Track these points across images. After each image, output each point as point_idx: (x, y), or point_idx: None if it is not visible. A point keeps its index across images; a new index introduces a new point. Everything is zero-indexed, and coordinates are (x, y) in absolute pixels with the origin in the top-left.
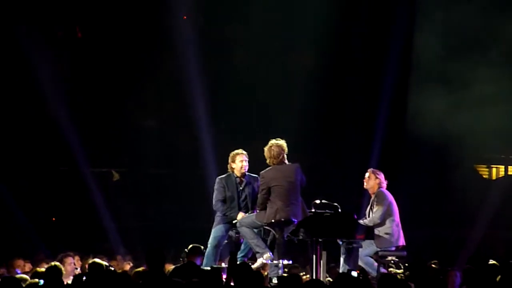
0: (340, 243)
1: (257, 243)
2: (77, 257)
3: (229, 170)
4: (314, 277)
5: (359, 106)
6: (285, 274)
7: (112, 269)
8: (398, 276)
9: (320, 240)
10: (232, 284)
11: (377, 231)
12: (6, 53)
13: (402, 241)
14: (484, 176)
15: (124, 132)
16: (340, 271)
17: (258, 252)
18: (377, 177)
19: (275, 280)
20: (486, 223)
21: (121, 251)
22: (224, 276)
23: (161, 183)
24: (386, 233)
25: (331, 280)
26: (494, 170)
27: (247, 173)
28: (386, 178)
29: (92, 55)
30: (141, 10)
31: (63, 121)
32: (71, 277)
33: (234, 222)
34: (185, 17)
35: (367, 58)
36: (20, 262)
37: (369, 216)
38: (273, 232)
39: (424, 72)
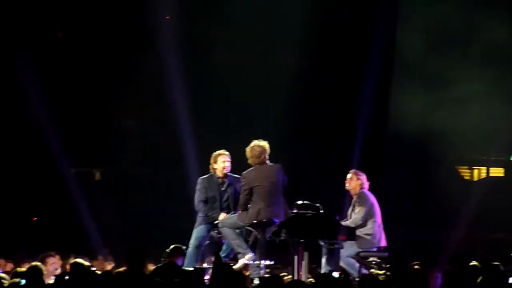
0: (322, 244)
1: (239, 243)
2: (57, 257)
3: (211, 170)
4: (295, 278)
5: (340, 106)
6: (267, 275)
7: (94, 269)
8: (380, 277)
9: (301, 241)
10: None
11: (358, 232)
12: None
13: (383, 242)
14: (465, 178)
15: (105, 132)
16: (322, 272)
17: (239, 253)
18: (359, 178)
19: (256, 281)
20: (468, 224)
21: (102, 251)
22: (207, 277)
23: (142, 183)
24: (368, 234)
25: (312, 280)
26: (475, 171)
27: (229, 173)
28: (368, 179)
29: (73, 55)
30: (122, 10)
31: (43, 121)
32: (53, 277)
33: (216, 222)
34: (167, 17)
35: (349, 58)
36: (1, 261)
37: (350, 217)
38: (255, 232)
39: (406, 71)
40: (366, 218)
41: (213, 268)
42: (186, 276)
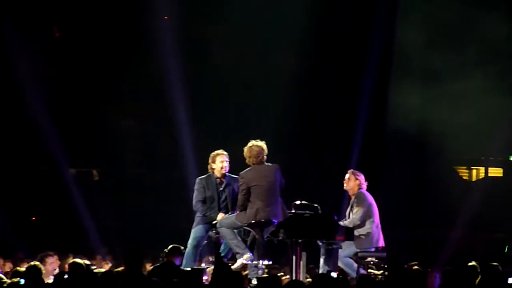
0: (320, 244)
1: (237, 243)
2: (56, 257)
3: (209, 170)
4: (293, 278)
5: (339, 106)
6: (265, 275)
7: (94, 267)
8: (378, 278)
9: (299, 241)
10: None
11: (356, 232)
12: None
13: (381, 242)
14: (464, 178)
15: (103, 132)
16: (320, 272)
17: (238, 253)
18: (357, 178)
19: (254, 281)
20: (466, 225)
21: (101, 251)
22: (205, 278)
23: (140, 183)
24: (366, 234)
25: (310, 281)
26: (474, 171)
27: (227, 173)
28: (366, 179)
29: (71, 55)
30: (120, 10)
31: (42, 121)
32: (52, 277)
33: (214, 222)
34: (166, 17)
35: (348, 57)
36: (0, 261)
37: (349, 217)
38: (253, 232)
39: (405, 69)
40: (364, 218)
41: (214, 268)
42: (184, 276)
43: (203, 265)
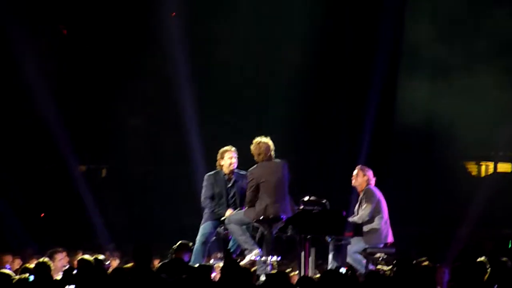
0: (329, 240)
1: (245, 240)
2: (64, 253)
3: (217, 167)
4: (302, 274)
5: (347, 101)
6: (274, 271)
7: (108, 262)
8: (386, 273)
9: (308, 237)
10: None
11: (365, 228)
12: None
13: (390, 238)
14: (473, 173)
15: (111, 129)
16: (328, 268)
17: (246, 249)
18: (365, 174)
19: (263, 277)
20: (475, 220)
21: (109, 247)
22: (213, 274)
23: (148, 180)
24: (375, 230)
25: (319, 276)
26: (483, 167)
27: (235, 170)
28: (374, 175)
29: (78, 53)
30: (127, 7)
31: (50, 119)
32: (61, 273)
33: (222, 219)
34: (173, 14)
35: (356, 52)
36: (9, 257)
37: (357, 213)
38: (262, 228)
39: (414, 62)
40: (373, 214)
41: (223, 265)
42: (193, 272)
43: (211, 261)
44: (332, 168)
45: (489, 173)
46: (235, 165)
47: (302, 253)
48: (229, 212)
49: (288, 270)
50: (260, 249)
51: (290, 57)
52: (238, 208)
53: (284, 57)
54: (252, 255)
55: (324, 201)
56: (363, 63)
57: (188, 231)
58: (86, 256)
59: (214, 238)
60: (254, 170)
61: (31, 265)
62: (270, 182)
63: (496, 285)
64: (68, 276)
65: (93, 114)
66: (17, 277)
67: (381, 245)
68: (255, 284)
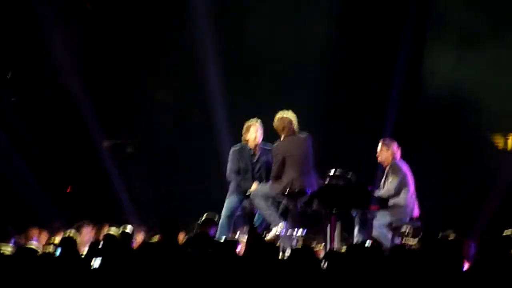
0: (354, 214)
1: (270, 214)
2: (90, 227)
3: (243, 141)
4: (328, 248)
5: (373, 73)
6: (299, 245)
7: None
8: (412, 247)
9: (334, 211)
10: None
11: (391, 202)
12: (19, 25)
13: (416, 212)
14: (500, 146)
15: (138, 103)
16: (354, 241)
17: (271, 223)
18: (388, 149)
19: (288, 251)
20: (502, 194)
21: (135, 222)
22: (238, 248)
23: (175, 154)
24: (401, 204)
25: (345, 250)
26: (510, 140)
27: (261, 144)
28: (400, 148)
29: (105, 27)
30: None
31: (77, 93)
32: (87, 247)
33: (248, 193)
34: None
35: (382, 23)
36: (36, 231)
37: (384, 187)
38: (287, 202)
39: (441, 32)
40: (399, 188)
41: (248, 239)
42: (219, 247)
43: (237, 235)
44: (358, 142)
45: None
46: (261, 139)
47: (328, 227)
48: (254, 186)
49: (313, 244)
50: (285, 223)
51: (317, 31)
52: (264, 182)
53: (311, 30)
54: (278, 229)
55: (349, 175)
56: (389, 35)
57: (214, 205)
58: (113, 230)
59: (239, 212)
60: (279, 145)
61: (58, 239)
62: (295, 156)
63: None
64: (94, 249)
65: (120, 88)
66: (41, 248)
67: (407, 219)
68: (280, 258)
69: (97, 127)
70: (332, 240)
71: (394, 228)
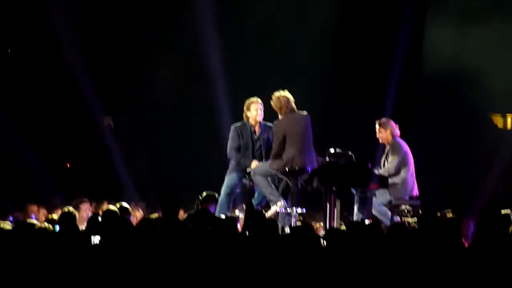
0: (354, 192)
1: (271, 191)
2: (92, 204)
3: (244, 118)
4: (327, 226)
5: (373, 52)
6: (298, 223)
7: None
8: (412, 225)
9: (334, 189)
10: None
11: (391, 180)
12: (21, 2)
13: (416, 191)
14: (499, 126)
15: (139, 80)
16: (354, 220)
17: (271, 201)
18: (386, 128)
19: (287, 229)
20: (501, 173)
21: (135, 199)
22: (239, 225)
23: (175, 131)
24: (400, 183)
25: (344, 228)
26: (509, 119)
27: (261, 121)
28: (399, 126)
29: (106, 3)
30: None
31: (77, 69)
32: (86, 224)
33: (248, 170)
34: None
35: (383, 3)
36: (34, 207)
37: (384, 166)
38: (287, 180)
39: (441, 9)
40: (399, 167)
41: (245, 216)
42: (218, 224)
43: (236, 212)
44: (358, 121)
45: None
46: (261, 117)
47: (328, 205)
48: (254, 163)
49: (313, 222)
50: (285, 201)
51: (317, 9)
52: (264, 160)
53: (311, 9)
54: (277, 206)
55: (349, 153)
56: (390, 12)
57: (214, 183)
58: (112, 207)
59: (239, 190)
60: (280, 122)
61: (55, 216)
62: (295, 134)
63: None
64: (93, 223)
65: (121, 65)
66: (40, 225)
67: (407, 198)
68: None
69: (98, 103)
70: (331, 218)
71: (394, 207)
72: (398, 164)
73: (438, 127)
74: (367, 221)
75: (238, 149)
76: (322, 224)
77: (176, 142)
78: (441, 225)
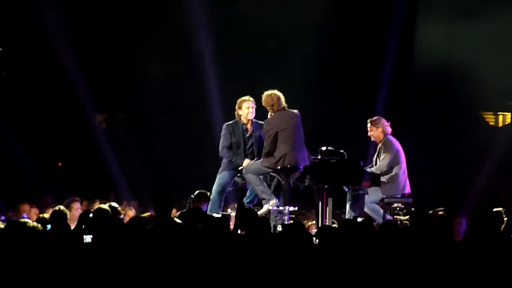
0: (346, 189)
1: (263, 189)
2: (84, 203)
3: (236, 116)
4: (320, 224)
5: (365, 51)
6: (291, 221)
7: (122, 213)
8: (404, 223)
9: (326, 186)
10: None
11: (383, 178)
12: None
13: (408, 189)
14: (490, 123)
15: (130, 78)
16: (346, 217)
17: (264, 199)
18: (378, 127)
19: (279, 227)
20: (493, 171)
21: (127, 198)
22: (231, 224)
23: (167, 129)
24: (393, 181)
25: (336, 226)
26: (500, 117)
27: (253, 119)
28: (390, 124)
29: (97, 2)
30: None
31: (69, 67)
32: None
33: (240, 168)
34: None
35: (376, 4)
36: (26, 207)
37: (376, 164)
38: (279, 178)
39: (431, 6)
40: (391, 165)
41: (236, 214)
42: (210, 222)
43: (229, 211)
44: (350, 118)
45: (507, 123)
46: (253, 115)
47: (320, 203)
48: (246, 162)
49: (305, 220)
50: (277, 199)
51: (309, 7)
52: (256, 158)
53: (303, 7)
54: (270, 204)
55: (342, 151)
56: (381, 8)
57: (206, 181)
58: (103, 206)
59: (231, 188)
60: (271, 120)
61: (46, 215)
62: (287, 131)
63: None
64: (84, 220)
65: (112, 62)
66: (31, 224)
67: (399, 195)
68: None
69: (90, 102)
70: (324, 216)
71: (386, 205)
72: (390, 162)
73: (430, 125)
74: (359, 219)
75: (230, 147)
76: (314, 222)
77: (169, 140)
78: (433, 223)
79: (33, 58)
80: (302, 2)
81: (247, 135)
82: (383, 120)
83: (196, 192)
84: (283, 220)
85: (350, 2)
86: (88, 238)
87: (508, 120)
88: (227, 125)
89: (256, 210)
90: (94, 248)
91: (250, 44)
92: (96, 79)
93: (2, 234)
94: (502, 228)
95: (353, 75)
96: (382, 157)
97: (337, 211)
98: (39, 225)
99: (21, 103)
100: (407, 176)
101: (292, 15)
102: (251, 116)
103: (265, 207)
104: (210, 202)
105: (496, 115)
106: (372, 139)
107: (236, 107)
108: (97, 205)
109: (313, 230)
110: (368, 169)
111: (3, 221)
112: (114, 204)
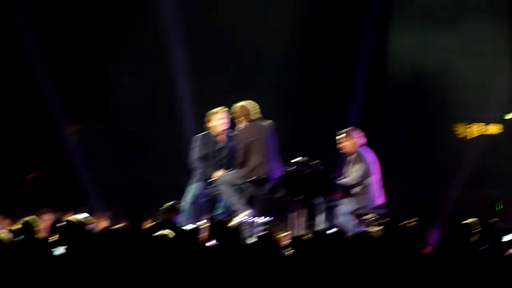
0: (319, 201)
1: (236, 200)
2: (56, 214)
3: (206, 128)
4: (293, 235)
5: (338, 62)
6: (264, 232)
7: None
8: (376, 234)
9: (299, 198)
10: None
11: (356, 189)
12: None
13: (381, 199)
14: (462, 134)
15: (103, 89)
16: (319, 229)
17: (237, 210)
18: (351, 137)
19: (252, 239)
20: (465, 182)
21: (100, 209)
22: (201, 235)
23: (139, 139)
24: (366, 191)
25: (310, 237)
26: (474, 127)
27: (226, 131)
28: (364, 135)
29: (68, 10)
30: None
31: (41, 78)
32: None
33: (212, 180)
34: None
35: (348, 12)
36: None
37: (349, 175)
38: (252, 189)
39: (405, 12)
40: (363, 176)
41: (208, 226)
42: (181, 234)
43: (201, 222)
44: (322, 129)
45: (479, 134)
46: (226, 126)
47: (293, 214)
48: (219, 173)
49: (278, 231)
50: (251, 210)
51: (282, 16)
52: (228, 169)
53: (277, 17)
54: (243, 215)
55: (315, 162)
56: (354, 18)
57: (178, 192)
58: (72, 218)
59: (203, 199)
60: (244, 130)
61: (18, 226)
62: (260, 142)
63: (485, 246)
64: (54, 229)
65: (84, 72)
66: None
67: (372, 206)
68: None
69: (61, 112)
70: (297, 227)
71: (359, 215)
72: (362, 173)
73: (402, 136)
74: (332, 230)
75: (202, 158)
76: (287, 232)
77: (141, 150)
78: (406, 233)
79: (3, 69)
80: (276, 11)
81: (219, 146)
82: (356, 131)
83: (167, 203)
84: (255, 232)
85: (323, 11)
86: (58, 250)
87: (480, 131)
88: (198, 136)
89: (228, 221)
90: (63, 259)
91: (224, 53)
92: (67, 90)
93: None
94: (475, 239)
95: (327, 85)
96: (355, 168)
97: (310, 222)
98: (7, 237)
99: None
100: (381, 186)
101: (265, 24)
102: (223, 127)
103: (238, 219)
104: (182, 214)
105: (469, 126)
106: (344, 150)
107: (206, 119)
108: (68, 216)
109: (286, 242)
110: (341, 180)
111: None
112: (84, 214)
